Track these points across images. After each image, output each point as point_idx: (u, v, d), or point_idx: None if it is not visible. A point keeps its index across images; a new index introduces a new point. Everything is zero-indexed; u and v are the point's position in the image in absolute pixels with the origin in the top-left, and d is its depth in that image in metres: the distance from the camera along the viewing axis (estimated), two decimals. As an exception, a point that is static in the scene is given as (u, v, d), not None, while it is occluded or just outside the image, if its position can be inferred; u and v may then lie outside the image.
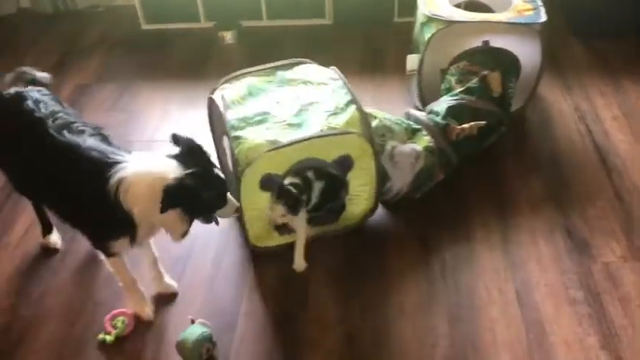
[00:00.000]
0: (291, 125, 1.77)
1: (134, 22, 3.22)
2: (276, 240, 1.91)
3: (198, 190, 1.48)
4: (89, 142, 1.58)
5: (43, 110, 1.64)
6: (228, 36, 3.03)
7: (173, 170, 1.48)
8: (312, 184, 1.81)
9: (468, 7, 2.49)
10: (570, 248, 1.87)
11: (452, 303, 1.73)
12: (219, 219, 1.65)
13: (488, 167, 2.19)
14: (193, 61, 2.94)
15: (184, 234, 1.57)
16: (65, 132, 1.59)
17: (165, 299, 1.79)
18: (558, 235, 1.91)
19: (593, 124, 2.37)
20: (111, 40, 3.15)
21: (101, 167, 1.50)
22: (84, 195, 1.53)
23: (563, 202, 2.03)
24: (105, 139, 1.66)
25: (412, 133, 2.05)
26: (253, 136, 1.73)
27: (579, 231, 1.92)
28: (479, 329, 1.65)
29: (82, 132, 1.62)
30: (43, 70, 1.83)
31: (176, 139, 1.57)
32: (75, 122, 1.64)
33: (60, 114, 1.65)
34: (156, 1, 3.15)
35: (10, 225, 2.06)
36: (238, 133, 1.75)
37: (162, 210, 1.44)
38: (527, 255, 1.86)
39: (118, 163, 1.50)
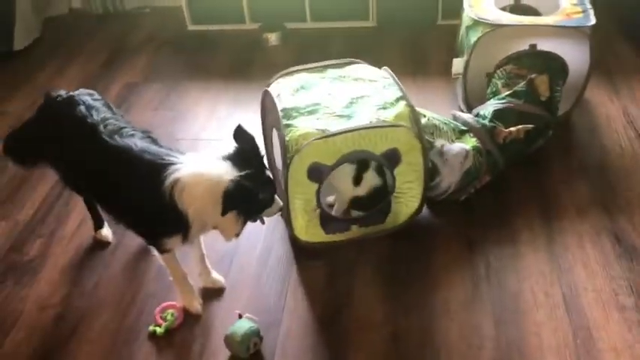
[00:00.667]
0: (340, 116, 1.80)
1: (180, 22, 3.29)
2: (322, 237, 1.93)
3: (255, 192, 1.52)
4: (140, 144, 1.63)
5: (95, 116, 1.69)
6: (273, 37, 3.08)
7: (228, 172, 1.53)
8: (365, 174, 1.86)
9: (514, 10, 2.48)
10: (619, 253, 1.84)
11: (497, 305, 1.72)
12: (265, 218, 1.68)
13: (534, 171, 2.17)
14: (238, 63, 2.99)
15: (238, 234, 1.61)
16: (116, 137, 1.64)
17: (213, 294, 1.83)
18: (606, 240, 1.89)
19: (643, 128, 2.33)
20: (158, 40, 3.23)
21: (155, 169, 1.55)
22: (138, 196, 1.58)
23: (611, 206, 2.01)
24: (154, 141, 1.71)
25: (460, 134, 2.06)
26: (304, 125, 1.76)
27: (628, 236, 1.89)
28: (524, 333, 1.65)
29: (132, 136, 1.67)
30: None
31: (239, 134, 1.61)
32: (125, 127, 1.69)
33: (110, 120, 1.70)
34: (202, 2, 3.22)
35: (64, 219, 2.14)
36: (290, 121, 1.79)
37: (224, 212, 1.49)
38: (573, 259, 1.84)
39: (172, 164, 1.55)
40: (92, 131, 1.66)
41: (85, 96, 1.78)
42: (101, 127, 1.66)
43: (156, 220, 1.59)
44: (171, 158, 1.57)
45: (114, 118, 1.73)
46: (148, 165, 1.57)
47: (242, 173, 1.52)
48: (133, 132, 1.69)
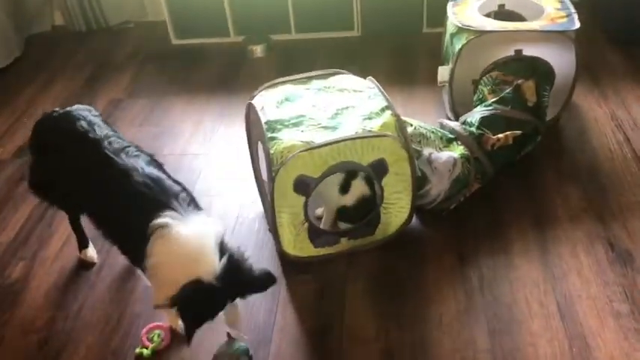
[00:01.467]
0: (326, 128, 1.77)
1: (164, 37, 3.27)
2: (311, 251, 1.90)
3: (213, 308, 1.44)
4: (147, 169, 1.58)
5: (97, 132, 1.66)
6: (258, 50, 3.06)
7: (206, 261, 1.43)
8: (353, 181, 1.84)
9: (499, 16, 2.48)
10: (612, 260, 1.82)
11: (491, 316, 1.69)
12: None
13: (524, 177, 2.15)
14: (224, 75, 2.96)
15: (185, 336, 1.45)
16: (123, 155, 1.61)
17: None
18: (599, 247, 1.86)
19: (631, 131, 2.32)
20: (142, 55, 3.20)
21: (151, 202, 1.51)
22: (130, 219, 1.53)
23: (603, 212, 1.99)
24: (160, 166, 1.68)
25: (447, 142, 2.03)
26: (289, 137, 1.73)
27: (621, 242, 1.87)
28: (520, 344, 1.61)
29: (137, 157, 1.63)
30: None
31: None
32: (129, 146, 1.66)
33: (113, 137, 1.67)
34: (186, 16, 3.19)
35: (47, 240, 2.09)
36: (274, 134, 1.75)
37: (170, 305, 1.41)
38: (567, 267, 1.81)
39: (167, 207, 1.49)
40: (96, 147, 1.62)
41: (85, 111, 1.74)
42: (105, 142, 1.63)
43: (138, 246, 1.54)
44: (170, 201, 1.51)
45: (116, 135, 1.70)
46: (147, 194, 1.52)
47: (216, 276, 1.40)
48: (137, 152, 1.65)
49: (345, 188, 1.87)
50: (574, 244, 1.88)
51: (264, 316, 1.76)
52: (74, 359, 1.69)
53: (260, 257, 1.95)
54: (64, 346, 1.73)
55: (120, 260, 1.95)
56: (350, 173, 1.84)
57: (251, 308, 1.78)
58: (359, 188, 1.87)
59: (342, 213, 1.92)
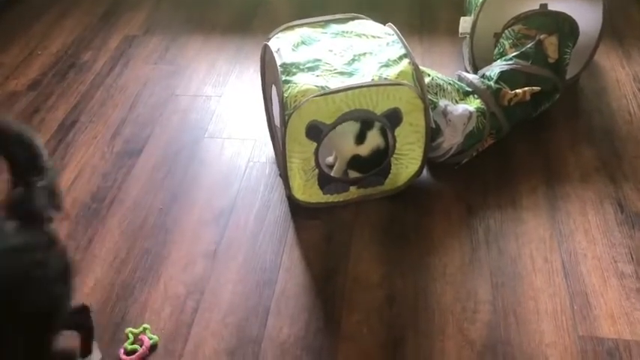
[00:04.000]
0: (342, 73, 1.75)
1: (182, -26, 3.20)
2: (320, 198, 1.90)
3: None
4: None
5: None
6: (276, -9, 2.99)
7: None
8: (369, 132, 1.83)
9: (526, -32, 2.40)
10: (621, 221, 1.81)
11: (495, 269, 1.71)
12: None
13: (538, 135, 2.13)
14: (240, 17, 2.92)
15: None
16: None
17: (207, 256, 1.81)
18: (609, 207, 1.86)
19: (652, 95, 2.27)
20: (158, -8, 3.15)
21: None
22: None
23: (616, 174, 1.97)
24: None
25: (464, 95, 2.01)
26: (304, 81, 1.71)
27: (631, 204, 1.86)
28: (521, 297, 1.63)
29: None
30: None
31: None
32: None
33: None
34: (204, -46, 3.11)
35: (60, 172, 2.11)
36: (289, 77, 1.74)
37: None
38: (575, 225, 1.81)
39: None
40: None
41: None
42: None
43: None
44: None
45: None
46: None
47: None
48: None
49: (360, 138, 1.86)
50: (583, 203, 1.88)
51: (271, 258, 1.78)
52: (83, 289, 1.73)
53: (270, 201, 1.96)
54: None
55: (130, 196, 1.98)
56: (365, 123, 1.83)
57: (258, 249, 1.81)
58: (375, 139, 1.86)
59: (355, 162, 1.91)
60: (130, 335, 1.58)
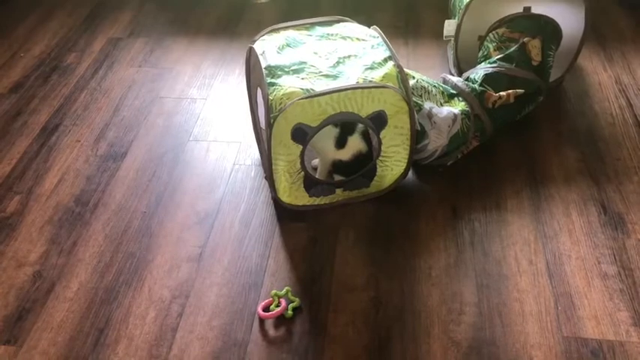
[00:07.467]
0: (327, 76, 1.75)
1: (167, -23, 3.19)
2: (305, 200, 1.90)
3: None
4: None
5: None
6: (262, -6, 2.99)
7: None
8: (350, 137, 1.83)
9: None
10: (604, 222, 1.83)
11: (480, 271, 1.71)
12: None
13: (522, 137, 2.14)
14: (226, 19, 2.91)
15: None
16: None
17: (193, 259, 1.80)
18: (592, 209, 1.88)
19: (635, 97, 2.30)
20: (143, -6, 3.14)
21: None
22: None
23: (599, 175, 1.99)
24: None
25: (449, 98, 2.02)
26: (289, 84, 1.71)
27: (615, 205, 1.88)
28: (507, 299, 1.64)
29: None
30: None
31: None
32: None
33: None
34: (189, -44, 3.10)
35: (43, 175, 2.09)
36: (274, 80, 1.73)
37: None
38: (559, 227, 1.83)
39: None
40: None
41: None
42: None
43: None
44: None
45: None
46: None
47: None
48: None
49: (340, 143, 1.86)
50: (567, 205, 1.89)
51: (257, 260, 1.78)
52: (67, 293, 1.71)
53: (255, 204, 1.96)
54: (58, 279, 1.75)
55: (114, 199, 1.96)
56: (346, 128, 1.83)
57: (244, 252, 1.80)
58: (356, 144, 1.86)
59: (337, 167, 1.91)
60: (275, 298, 1.67)
